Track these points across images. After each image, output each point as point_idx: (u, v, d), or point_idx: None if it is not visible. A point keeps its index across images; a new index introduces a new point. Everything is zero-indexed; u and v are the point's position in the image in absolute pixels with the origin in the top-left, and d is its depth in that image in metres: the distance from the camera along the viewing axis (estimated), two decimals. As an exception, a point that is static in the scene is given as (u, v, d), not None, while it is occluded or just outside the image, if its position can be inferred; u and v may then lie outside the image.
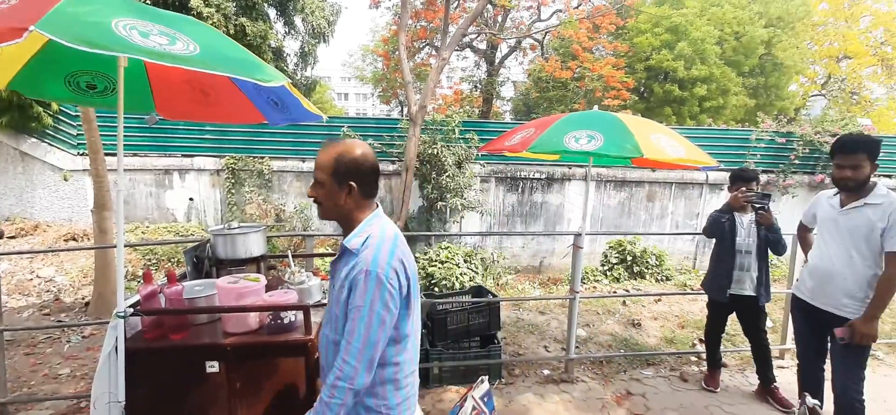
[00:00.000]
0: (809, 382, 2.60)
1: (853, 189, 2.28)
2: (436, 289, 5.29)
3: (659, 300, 5.13)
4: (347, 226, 1.32)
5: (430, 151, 7.02)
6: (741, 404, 3.15)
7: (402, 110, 18.83)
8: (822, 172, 8.01)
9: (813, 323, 2.50)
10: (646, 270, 6.62)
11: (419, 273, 5.81)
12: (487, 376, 2.63)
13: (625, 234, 7.33)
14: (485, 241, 7.88)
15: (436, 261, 5.76)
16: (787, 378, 3.24)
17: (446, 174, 6.91)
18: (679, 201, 8.30)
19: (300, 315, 1.87)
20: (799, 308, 2.59)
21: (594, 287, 6.24)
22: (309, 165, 7.52)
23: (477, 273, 5.86)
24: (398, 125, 7.67)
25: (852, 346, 2.23)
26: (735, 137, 8.44)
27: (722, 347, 3.41)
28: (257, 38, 8.43)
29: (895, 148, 8.39)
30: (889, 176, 8.32)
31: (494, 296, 3.59)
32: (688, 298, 5.21)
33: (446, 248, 5.98)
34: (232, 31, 7.95)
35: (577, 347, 3.85)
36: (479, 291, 3.79)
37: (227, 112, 2.35)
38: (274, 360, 1.82)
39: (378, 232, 1.28)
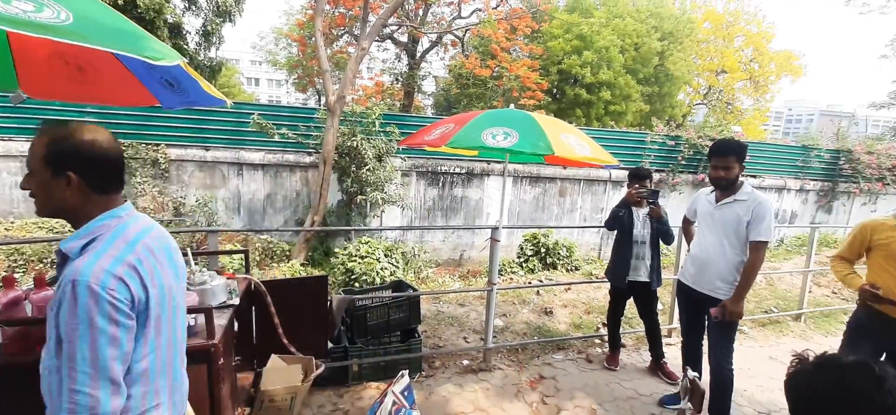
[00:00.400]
0: (691, 356, 2.98)
1: (725, 187, 2.63)
2: (356, 284, 5.18)
3: (569, 289, 5.51)
4: (75, 225, 1.11)
5: (349, 144, 6.83)
6: (637, 379, 3.51)
7: (319, 99, 18.10)
8: (702, 171, 9.15)
9: (694, 304, 2.84)
10: (558, 261, 7.08)
11: (339, 269, 5.65)
12: (408, 371, 2.64)
13: (538, 227, 7.77)
14: (406, 235, 7.88)
15: (356, 256, 5.64)
16: (674, 354, 3.66)
17: (366, 168, 6.78)
18: (587, 196, 8.99)
19: (202, 319, 1.72)
20: (682, 292, 2.93)
21: (511, 279, 6.53)
22: (214, 155, 6.93)
23: (398, 268, 5.84)
24: (315, 115, 7.35)
25: (724, 323, 2.58)
26: (633, 139, 9.33)
27: (621, 329, 3.77)
28: (151, 12, 7.56)
29: (759, 152, 9.88)
30: (754, 176, 9.75)
31: (415, 290, 3.60)
32: (593, 286, 5.66)
33: (367, 242, 5.88)
34: (120, 2, 7.03)
35: (494, 336, 4.00)
36: (399, 285, 3.78)
37: (111, 92, 2.07)
38: (170, 369, 1.65)
39: (111, 233, 1.08)
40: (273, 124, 6.88)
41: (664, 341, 3.76)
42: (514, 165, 8.21)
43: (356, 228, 6.92)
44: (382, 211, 7.59)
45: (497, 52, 12.97)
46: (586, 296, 5.38)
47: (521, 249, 7.40)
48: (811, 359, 1.08)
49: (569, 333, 4.32)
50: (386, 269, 5.59)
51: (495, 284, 3.47)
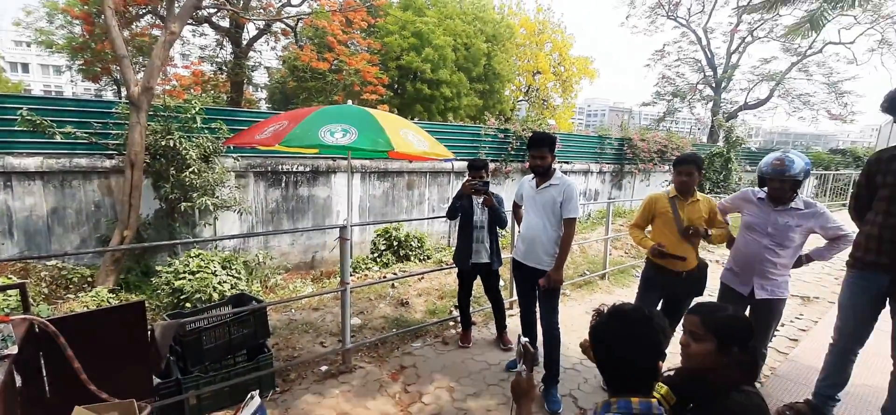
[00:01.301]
0: (527, 322, 3.41)
1: (542, 174, 3.07)
2: (187, 305, 4.50)
3: (422, 278, 5.74)
4: None
5: (164, 143, 5.86)
6: (487, 351, 3.87)
7: (119, 91, 15.00)
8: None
9: (526, 277, 3.24)
10: (411, 253, 7.30)
11: (163, 290, 4.83)
12: (258, 390, 2.43)
13: (387, 222, 7.88)
14: (248, 242, 7.16)
15: (184, 273, 4.89)
16: (516, 323, 4.12)
17: (190, 170, 5.92)
18: (433, 188, 9.47)
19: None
20: (516, 267, 3.32)
21: (365, 275, 6.50)
22: (-45, 164, 5.20)
23: (240, 279, 5.28)
24: (114, 110, 6.09)
25: (550, 289, 3.03)
26: (469, 133, 10.15)
27: (471, 308, 4.10)
28: None
29: (569, 142, 11.74)
30: (566, 162, 11.55)
31: (260, 301, 3.31)
32: (444, 272, 6.02)
33: (198, 255, 5.15)
34: None
35: (352, 336, 3.94)
36: (240, 299, 3.43)
37: None
38: None
39: None
40: (55, 121, 5.47)
41: (508, 313, 4.21)
42: (360, 160, 8.14)
43: (183, 241, 6.00)
44: (215, 218, 6.74)
45: (334, 44, 12.61)
46: (439, 282, 5.68)
47: (375, 244, 7.42)
48: (605, 311, 1.38)
49: (425, 320, 4.51)
50: (225, 283, 4.99)
51: (348, 284, 3.41)
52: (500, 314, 3.96)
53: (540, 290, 3.09)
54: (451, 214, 3.71)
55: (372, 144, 2.68)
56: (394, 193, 8.90)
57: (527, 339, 1.61)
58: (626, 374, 1.26)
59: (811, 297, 5.42)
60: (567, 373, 3.48)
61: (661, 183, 13.37)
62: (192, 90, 11.78)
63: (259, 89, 17.83)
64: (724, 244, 3.10)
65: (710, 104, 21.28)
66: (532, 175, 3.19)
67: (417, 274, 5.51)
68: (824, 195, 14.72)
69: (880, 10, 16.72)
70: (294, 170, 7.59)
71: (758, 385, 3.18)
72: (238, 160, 6.91)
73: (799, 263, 2.80)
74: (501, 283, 4.51)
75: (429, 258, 7.35)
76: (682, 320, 1.65)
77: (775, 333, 3.00)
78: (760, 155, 16.72)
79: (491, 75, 18.24)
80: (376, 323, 4.41)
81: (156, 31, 10.96)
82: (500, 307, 3.95)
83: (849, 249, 2.63)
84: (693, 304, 1.69)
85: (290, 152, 6.90)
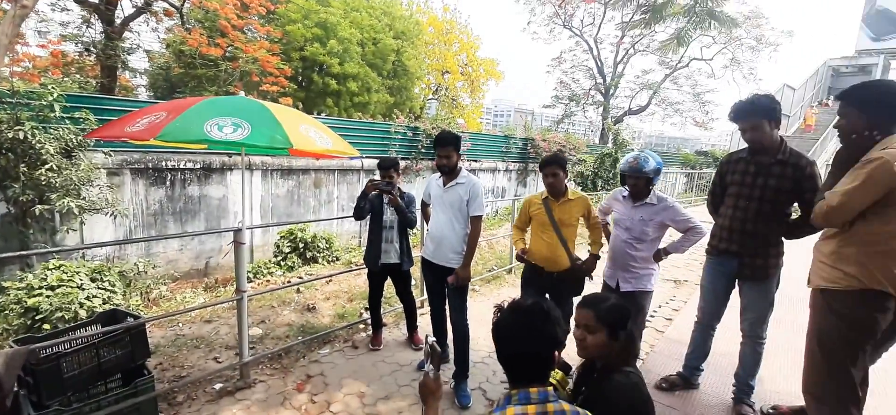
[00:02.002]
0: (437, 321, 3.45)
1: (448, 172, 3.12)
2: (46, 326, 3.83)
3: (330, 281, 5.54)
4: None
5: (11, 135, 4.91)
6: (398, 352, 3.84)
7: (-55, 70, 12.26)
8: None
9: (435, 275, 3.27)
10: (318, 255, 7.00)
11: (13, 310, 4.06)
12: (136, 420, 2.15)
13: (289, 223, 7.46)
14: (125, 250, 6.30)
15: (41, 288, 4.16)
16: (427, 322, 4.15)
17: (46, 167, 5.03)
18: (342, 186, 9.18)
19: None
20: (426, 266, 3.33)
21: (267, 281, 6.10)
22: None
23: (115, 292, 4.62)
24: (-63, 93, 4.97)
25: (458, 287, 3.10)
26: (379, 130, 10.02)
27: (382, 309, 4.04)
28: None
29: (478, 141, 12.13)
30: (476, 160, 11.93)
31: (136, 317, 2.93)
32: (354, 274, 5.86)
33: (58, 267, 4.41)
34: None
35: (251, 348, 3.67)
36: (113, 316, 2.99)
37: None
38: None
39: None
40: None
41: (419, 311, 4.22)
42: (261, 157, 7.60)
43: (37, 251, 5.10)
44: (82, 223, 5.83)
45: (227, 29, 11.59)
46: (348, 284, 5.52)
47: (278, 246, 6.99)
48: (505, 307, 1.44)
49: (333, 325, 4.35)
50: (95, 297, 4.34)
51: (245, 292, 3.16)
52: (412, 314, 3.96)
53: (449, 287, 3.14)
54: (357, 215, 3.61)
55: (268, 140, 2.49)
56: (299, 192, 8.46)
57: (433, 339, 1.63)
58: (525, 366, 1.32)
59: (682, 280, 6.23)
60: (477, 367, 3.59)
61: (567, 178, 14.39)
62: (50, 73, 10.03)
63: (138, 75, 15.75)
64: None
65: (601, 109, 23.48)
66: (439, 174, 3.21)
67: (325, 277, 5.30)
68: (692, 191, 17.04)
69: (731, 33, 19.80)
70: (181, 166, 6.84)
71: (639, 362, 3.57)
72: (110, 155, 6.04)
73: (658, 256, 2.97)
74: (413, 282, 4.51)
75: (338, 260, 7.12)
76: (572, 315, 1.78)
77: (646, 323, 3.25)
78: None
79: (400, 72, 18.16)
80: (279, 332, 4.15)
81: (4, 5, 9.14)
82: (411, 307, 3.94)
83: (707, 239, 3.04)
84: (581, 299, 1.82)
85: (176, 147, 6.20)
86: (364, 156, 9.10)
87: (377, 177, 3.58)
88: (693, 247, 3.04)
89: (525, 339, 1.33)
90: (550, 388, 1.31)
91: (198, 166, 7.01)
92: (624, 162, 2.95)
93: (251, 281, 6.11)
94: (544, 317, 1.34)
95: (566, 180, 3.05)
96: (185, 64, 11.85)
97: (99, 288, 4.52)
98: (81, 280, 4.41)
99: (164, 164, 6.64)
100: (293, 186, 8.34)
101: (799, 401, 2.49)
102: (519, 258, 3.14)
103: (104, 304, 4.36)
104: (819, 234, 2.25)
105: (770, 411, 2.92)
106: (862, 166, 1.86)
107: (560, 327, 1.37)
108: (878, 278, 1.90)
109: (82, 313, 4.13)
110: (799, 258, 3.08)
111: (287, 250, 6.85)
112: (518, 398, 1.27)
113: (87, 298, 4.29)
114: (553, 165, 2.98)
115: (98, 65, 12.18)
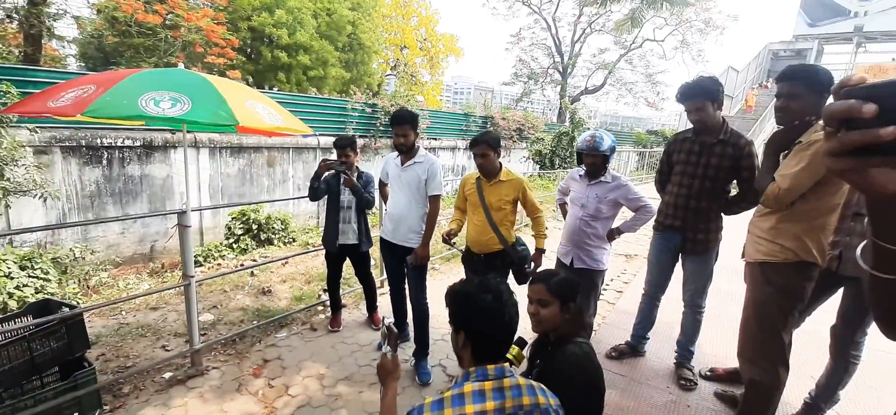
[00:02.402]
0: (397, 300, 3.47)
1: (406, 151, 3.08)
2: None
3: (286, 263, 5.41)
4: None
5: (-87, 109, 4.40)
6: (358, 333, 3.83)
7: None
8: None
9: (394, 255, 3.27)
10: (273, 236, 6.80)
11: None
12: (77, 414, 2.04)
13: (239, 204, 7.19)
14: (59, 235, 5.87)
15: (-43, 280, 3.83)
16: (387, 302, 4.14)
17: (-40, 145, 4.57)
18: (298, 165, 8.90)
19: None
20: (385, 246, 3.32)
21: (218, 264, 5.88)
22: None
23: (49, 280, 4.32)
24: None
25: (417, 266, 3.11)
26: (335, 106, 9.75)
27: (342, 291, 4.00)
28: None
29: (437, 119, 12.06)
30: (436, 139, 11.88)
31: (72, 306, 2.76)
32: (311, 255, 5.75)
33: (-22, 256, 4.07)
34: None
35: (203, 334, 3.56)
36: (45, 306, 2.80)
37: None
38: None
39: None
40: None
41: (379, 292, 4.22)
42: (208, 134, 7.23)
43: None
44: (7, 206, 5.35)
45: (167, -5, 10.82)
46: (305, 266, 5.42)
47: (230, 228, 6.74)
48: (458, 289, 1.45)
49: (290, 307, 4.27)
50: (26, 286, 4.05)
51: (193, 277, 3.03)
52: (371, 294, 3.94)
53: (408, 267, 3.14)
54: (312, 196, 3.52)
55: (211, 116, 2.35)
56: (252, 171, 8.13)
57: (390, 321, 1.64)
58: (482, 345, 1.36)
59: (633, 255, 6.56)
60: (437, 344, 3.64)
61: (520, 159, 14.65)
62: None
63: (66, 44, 14.42)
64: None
65: (559, 88, 23.91)
66: (397, 153, 3.17)
67: (279, 259, 5.17)
68: (643, 169, 17.81)
69: (682, 14, 20.56)
70: (119, 144, 6.39)
71: (592, 334, 3.75)
72: (36, 132, 5.55)
73: (611, 236, 3.01)
74: (373, 262, 4.49)
75: (294, 241, 6.96)
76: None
77: (598, 299, 3.29)
78: (597, 134, 19.47)
79: (357, 46, 17.66)
80: (233, 317, 4.03)
81: None
82: (370, 288, 3.91)
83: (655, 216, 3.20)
84: (533, 275, 1.87)
85: (110, 124, 5.78)
86: (319, 134, 8.84)
87: (334, 156, 3.50)
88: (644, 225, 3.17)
89: (479, 319, 1.35)
90: (506, 364, 1.36)
91: (138, 144, 6.58)
92: (581, 140, 2.96)
93: (201, 265, 5.87)
94: (496, 296, 1.36)
95: (499, 160, 2.95)
96: (120, 32, 10.99)
97: (30, 276, 4.22)
98: (9, 268, 4.10)
99: (99, 141, 6.19)
100: (245, 164, 8.01)
101: (733, 363, 2.71)
102: (444, 240, 2.98)
103: (37, 293, 4.08)
104: (754, 210, 2.42)
105: (707, 373, 3.16)
106: (805, 148, 2.00)
107: (513, 306, 1.40)
108: (811, 251, 2.09)
109: (12, 304, 3.84)
110: (732, 233, 3.31)
111: (239, 232, 6.62)
112: (476, 375, 1.30)
113: (17, 287, 4.00)
114: (482, 145, 2.84)
115: (20, 33, 11.01)
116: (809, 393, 2.70)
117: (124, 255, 6.60)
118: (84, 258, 5.46)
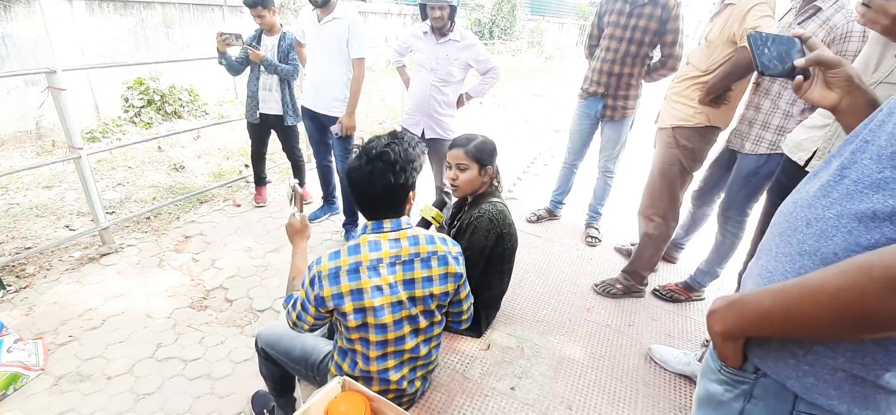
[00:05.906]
0: (324, 173, 3.50)
1: (323, 4, 2.82)
2: None
3: (198, 136, 5.13)
4: None
5: None
6: (287, 208, 3.85)
7: None
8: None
9: (318, 125, 3.20)
10: (181, 109, 6.31)
11: None
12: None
13: (127, 64, 6.41)
14: None
15: None
16: (314, 176, 4.11)
17: None
18: (202, 27, 7.94)
19: None
20: (307, 115, 3.20)
21: (119, 139, 5.44)
22: None
23: None
24: None
25: (343, 136, 3.08)
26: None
27: (267, 166, 3.91)
28: None
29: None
30: (364, 0, 10.96)
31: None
32: (229, 129, 5.46)
33: None
34: None
35: (111, 212, 3.44)
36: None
37: None
38: None
39: None
40: None
41: (307, 167, 4.17)
42: (82, -17, 6.15)
43: None
44: None
45: None
46: (223, 141, 5.19)
47: (127, 100, 6.13)
48: (362, 150, 1.40)
49: (209, 184, 4.16)
50: None
51: (82, 148, 2.83)
52: (299, 170, 3.81)
53: (333, 137, 3.10)
54: (231, 72, 3.29)
55: None
56: (144, 32, 7.16)
57: (295, 181, 1.68)
58: (368, 208, 1.37)
59: (563, 130, 6.91)
60: (366, 215, 3.79)
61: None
62: None
63: None
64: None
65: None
66: (312, 7, 2.91)
67: (186, 131, 4.84)
68: (583, 45, 17.88)
69: None
70: (-37, -7, 5.30)
71: (515, 202, 4.08)
72: None
73: (461, 102, 2.98)
74: (301, 138, 4.39)
75: (207, 115, 6.52)
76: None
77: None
78: (543, 4, 18.93)
79: None
80: (144, 194, 3.89)
81: None
82: (297, 162, 3.76)
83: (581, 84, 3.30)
84: (450, 141, 1.94)
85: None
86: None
87: (246, 14, 3.18)
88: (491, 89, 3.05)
89: (377, 186, 1.32)
90: (404, 217, 1.39)
91: (-12, -7, 5.48)
92: None
93: (98, 140, 5.40)
94: (392, 165, 1.32)
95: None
96: None
97: None
98: None
99: (-69, -13, 5.08)
100: (135, 24, 7.01)
101: (631, 221, 3.10)
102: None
103: None
104: (671, 78, 2.63)
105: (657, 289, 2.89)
106: (723, 7, 2.20)
107: (410, 171, 1.35)
108: (720, 117, 2.35)
109: None
110: (646, 103, 3.58)
111: (140, 105, 6.06)
112: (372, 228, 1.36)
113: None
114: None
115: None
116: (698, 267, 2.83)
117: (4, 133, 5.86)
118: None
